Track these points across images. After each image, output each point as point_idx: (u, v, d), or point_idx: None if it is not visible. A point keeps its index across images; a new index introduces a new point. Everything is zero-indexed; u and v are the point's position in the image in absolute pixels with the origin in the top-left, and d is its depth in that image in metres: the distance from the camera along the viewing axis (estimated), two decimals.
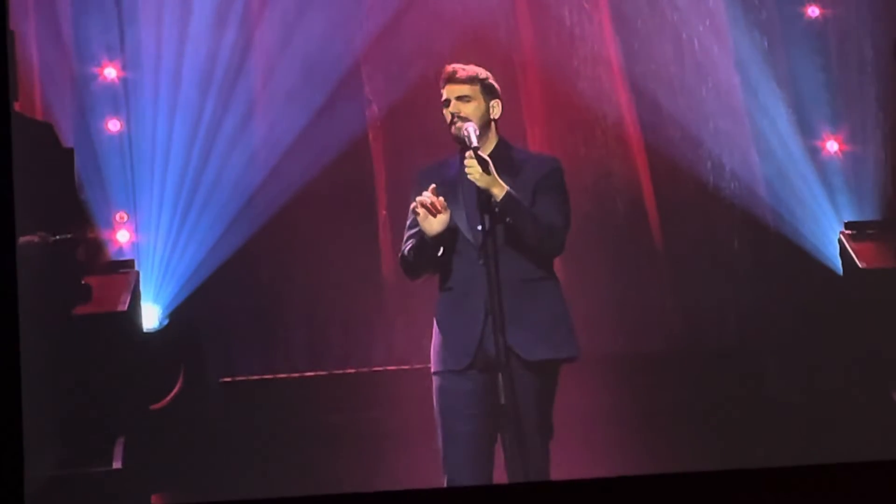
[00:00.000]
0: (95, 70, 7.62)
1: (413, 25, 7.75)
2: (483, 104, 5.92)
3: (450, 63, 6.08)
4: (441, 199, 5.80)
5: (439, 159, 6.08)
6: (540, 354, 5.85)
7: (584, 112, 7.86)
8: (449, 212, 5.82)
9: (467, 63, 6.02)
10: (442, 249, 5.90)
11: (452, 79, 5.92)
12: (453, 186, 5.94)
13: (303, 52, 7.68)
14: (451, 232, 5.90)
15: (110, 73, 7.65)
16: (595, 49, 7.87)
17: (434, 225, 5.82)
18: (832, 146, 7.85)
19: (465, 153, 5.84)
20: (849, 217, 7.74)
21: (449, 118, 5.90)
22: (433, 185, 5.83)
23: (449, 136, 5.99)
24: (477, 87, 5.91)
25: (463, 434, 5.93)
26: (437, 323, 5.98)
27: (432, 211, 5.79)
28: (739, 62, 7.83)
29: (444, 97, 5.93)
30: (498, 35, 7.84)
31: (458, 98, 5.89)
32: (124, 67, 7.62)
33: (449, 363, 5.92)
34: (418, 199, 5.80)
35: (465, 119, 5.86)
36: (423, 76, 7.67)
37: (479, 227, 5.84)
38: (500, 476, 5.99)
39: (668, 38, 7.82)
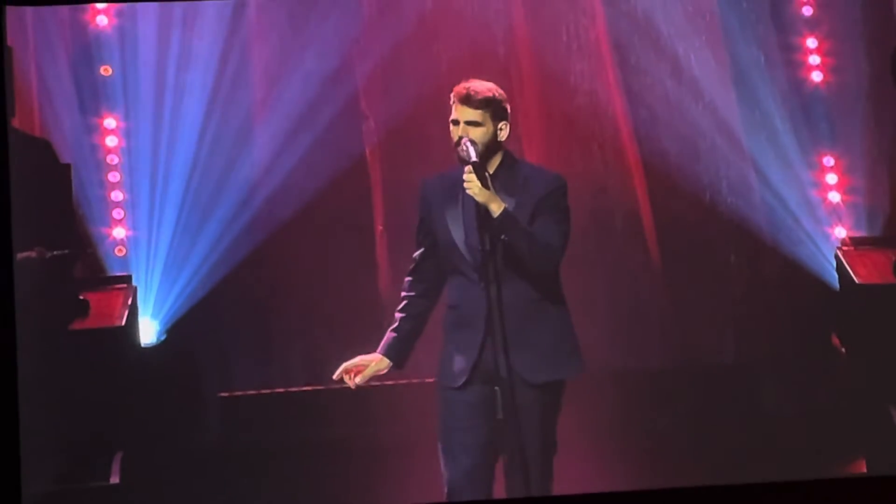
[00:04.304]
0: (94, 86, 7.62)
1: (410, 40, 7.75)
2: (491, 128, 5.92)
3: (447, 77, 6.12)
4: (355, 367, 6.05)
5: (444, 171, 6.10)
6: (543, 377, 5.87)
7: (580, 127, 7.87)
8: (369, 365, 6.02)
9: (457, 76, 6.04)
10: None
11: (466, 101, 5.90)
12: (455, 202, 5.96)
13: (300, 68, 7.68)
14: (449, 250, 5.94)
15: (108, 85, 7.67)
16: (592, 64, 7.88)
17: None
18: (829, 161, 7.85)
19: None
20: (846, 232, 7.75)
21: (455, 139, 5.92)
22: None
23: (448, 150, 6.01)
24: (489, 112, 5.91)
25: (460, 446, 5.96)
26: (444, 337, 6.03)
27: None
28: (736, 77, 7.84)
29: (453, 115, 5.93)
30: (495, 50, 7.84)
31: (468, 122, 5.90)
32: (124, 86, 7.62)
33: (447, 380, 5.96)
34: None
35: (472, 142, 5.87)
36: (421, 91, 7.68)
37: (479, 248, 5.86)
38: (503, 492, 6.01)
39: (665, 53, 7.83)
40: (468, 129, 5.88)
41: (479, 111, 5.90)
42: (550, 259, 5.92)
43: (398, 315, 6.06)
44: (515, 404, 5.80)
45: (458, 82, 6.07)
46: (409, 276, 6.08)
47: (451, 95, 5.97)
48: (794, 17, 7.93)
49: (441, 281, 6.04)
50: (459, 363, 5.92)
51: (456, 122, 5.91)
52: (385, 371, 6.07)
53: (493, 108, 5.93)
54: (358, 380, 6.06)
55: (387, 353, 6.04)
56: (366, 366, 6.05)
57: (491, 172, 5.91)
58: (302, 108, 7.68)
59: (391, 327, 6.07)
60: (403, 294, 6.07)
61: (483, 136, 5.90)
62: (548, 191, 5.92)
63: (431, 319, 6.10)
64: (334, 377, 6.07)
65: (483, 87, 5.95)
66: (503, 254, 5.84)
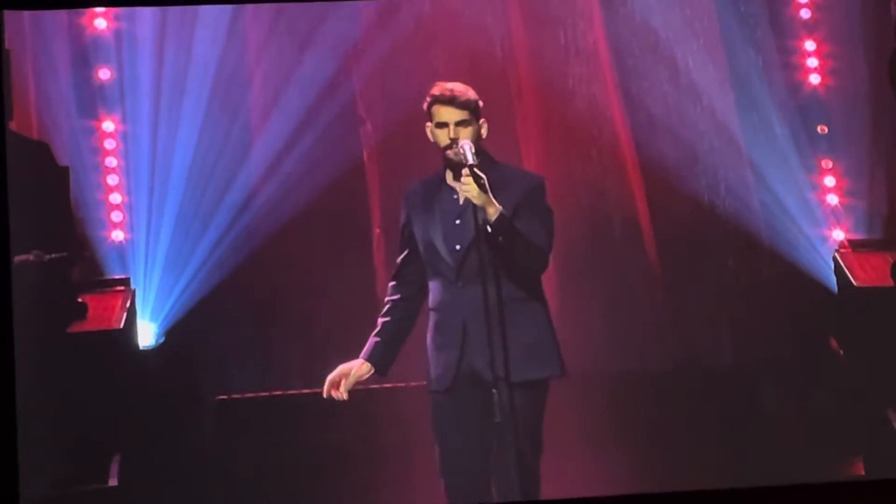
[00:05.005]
0: (92, 89, 7.63)
1: (407, 43, 7.76)
2: (476, 127, 5.97)
3: (445, 81, 6.11)
4: (336, 382, 6.07)
5: (422, 178, 6.13)
6: (524, 375, 5.88)
7: (578, 130, 7.86)
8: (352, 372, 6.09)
9: (456, 80, 6.06)
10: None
11: (451, 102, 5.94)
12: (433, 205, 5.99)
13: (297, 72, 7.69)
14: (429, 252, 5.96)
15: (106, 88, 7.68)
16: (590, 68, 7.88)
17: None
18: (827, 164, 7.85)
19: (446, 174, 5.91)
20: (844, 235, 7.75)
21: (447, 141, 5.93)
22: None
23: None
24: (473, 112, 5.95)
25: (455, 450, 5.98)
26: (428, 341, 6.04)
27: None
28: (734, 80, 7.84)
29: (439, 118, 5.94)
30: (493, 53, 7.85)
31: (458, 123, 5.93)
32: (122, 89, 7.63)
33: (433, 385, 5.98)
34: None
35: (469, 143, 5.91)
36: (418, 94, 7.65)
37: (458, 248, 5.88)
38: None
39: (663, 56, 7.84)
40: (459, 130, 5.92)
41: (466, 111, 5.96)
42: (542, 260, 5.96)
43: (381, 320, 6.10)
44: (507, 406, 5.81)
45: None
46: (392, 280, 6.13)
47: (428, 99, 6.00)
48: (792, 20, 7.93)
49: (426, 285, 6.06)
50: (442, 366, 5.95)
51: (444, 125, 5.94)
52: (367, 376, 6.09)
53: (475, 108, 6.01)
54: (343, 389, 6.08)
55: (369, 359, 6.08)
56: (347, 374, 6.08)
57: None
58: (300, 112, 7.68)
59: (374, 332, 6.09)
60: (387, 299, 6.12)
61: (472, 135, 5.94)
62: (527, 190, 5.94)
63: (419, 327, 6.12)
64: (324, 395, 6.09)
65: (461, 87, 6.03)
66: (486, 255, 5.86)
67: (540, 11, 7.88)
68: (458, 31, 7.80)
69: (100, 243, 7.54)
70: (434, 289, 6.01)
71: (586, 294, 7.74)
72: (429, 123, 6.01)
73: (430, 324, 6.03)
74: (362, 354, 6.10)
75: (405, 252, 6.11)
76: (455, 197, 5.99)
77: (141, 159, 7.60)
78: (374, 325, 7.10)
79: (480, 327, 5.86)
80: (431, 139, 6.04)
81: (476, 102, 6.00)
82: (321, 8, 7.72)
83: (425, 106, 6.02)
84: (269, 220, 7.65)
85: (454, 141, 5.95)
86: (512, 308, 5.91)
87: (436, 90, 6.00)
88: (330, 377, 6.11)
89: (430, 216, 5.99)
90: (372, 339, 6.10)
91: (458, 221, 5.95)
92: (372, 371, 6.10)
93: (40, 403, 6.91)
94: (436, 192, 6.01)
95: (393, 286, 6.13)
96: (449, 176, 6.03)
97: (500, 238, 5.84)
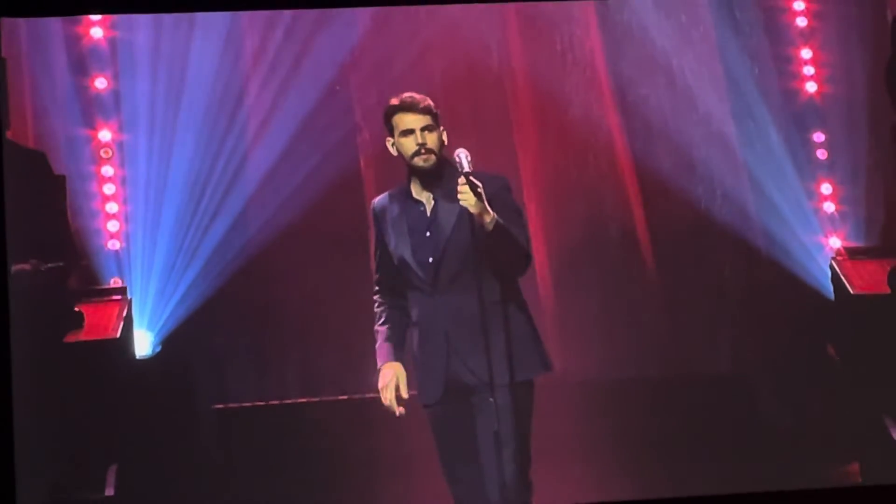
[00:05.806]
0: (89, 98, 7.63)
1: (404, 52, 7.76)
2: (440, 132, 5.96)
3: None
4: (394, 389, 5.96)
5: (390, 190, 6.12)
6: (514, 377, 5.86)
7: (575, 138, 7.88)
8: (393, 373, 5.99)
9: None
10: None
11: (411, 108, 5.92)
12: (401, 219, 5.97)
13: (295, 80, 7.69)
14: (403, 267, 5.96)
15: (103, 96, 7.68)
16: (587, 75, 7.89)
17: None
18: (823, 172, 7.86)
19: (411, 186, 5.91)
20: (840, 242, 7.76)
21: (414, 148, 5.91)
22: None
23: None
24: (434, 117, 5.94)
25: (457, 460, 5.97)
26: (413, 356, 6.04)
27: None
28: (730, 88, 7.85)
29: (403, 127, 5.92)
30: (490, 61, 7.86)
31: (424, 128, 5.91)
32: (118, 98, 7.63)
33: (424, 398, 5.98)
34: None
35: (431, 150, 5.90)
36: None
37: (430, 260, 5.88)
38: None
39: (659, 64, 7.84)
40: (426, 135, 5.90)
41: (428, 116, 5.93)
42: (528, 261, 5.96)
43: (383, 328, 6.05)
44: (505, 411, 5.81)
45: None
46: (375, 294, 6.10)
47: (387, 111, 5.98)
48: (788, 28, 7.95)
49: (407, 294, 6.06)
50: (430, 379, 5.94)
51: (409, 132, 5.91)
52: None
53: (435, 114, 5.98)
54: (405, 394, 6.03)
55: (396, 360, 6.03)
56: (396, 382, 6.02)
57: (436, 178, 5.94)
58: (297, 120, 7.69)
59: (384, 338, 6.05)
60: (377, 309, 6.08)
61: (437, 140, 5.93)
62: (492, 192, 5.89)
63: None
64: (397, 414, 6.04)
65: (417, 95, 5.99)
66: (464, 263, 5.85)
67: (536, 20, 7.88)
68: (454, 40, 7.80)
69: (96, 252, 7.54)
70: (413, 303, 6.00)
71: (584, 301, 7.74)
72: (389, 138, 5.99)
73: (414, 339, 6.01)
74: (387, 358, 6.04)
75: (382, 268, 6.10)
76: (422, 209, 5.98)
77: (137, 168, 7.60)
78: (371, 334, 7.12)
79: (463, 335, 5.85)
80: (394, 152, 6.01)
81: (435, 109, 5.98)
82: (318, 16, 7.72)
83: (384, 119, 6.00)
84: (265, 228, 7.65)
85: (422, 146, 5.92)
86: (494, 312, 5.89)
87: (394, 101, 5.97)
88: (390, 397, 6.03)
89: (399, 231, 5.98)
90: (386, 345, 6.06)
91: (427, 234, 5.94)
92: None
93: (37, 412, 6.90)
94: (403, 206, 5.99)
95: (379, 295, 6.11)
96: (414, 188, 6.01)
97: (498, 244, 5.83)
